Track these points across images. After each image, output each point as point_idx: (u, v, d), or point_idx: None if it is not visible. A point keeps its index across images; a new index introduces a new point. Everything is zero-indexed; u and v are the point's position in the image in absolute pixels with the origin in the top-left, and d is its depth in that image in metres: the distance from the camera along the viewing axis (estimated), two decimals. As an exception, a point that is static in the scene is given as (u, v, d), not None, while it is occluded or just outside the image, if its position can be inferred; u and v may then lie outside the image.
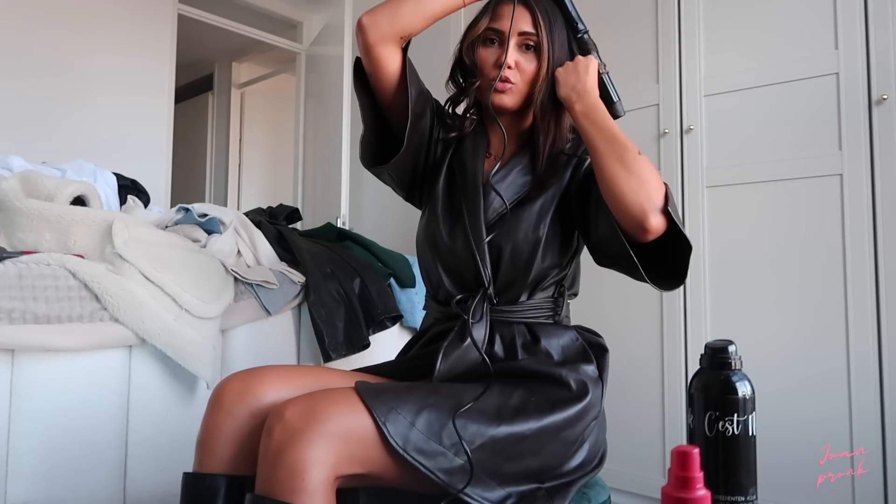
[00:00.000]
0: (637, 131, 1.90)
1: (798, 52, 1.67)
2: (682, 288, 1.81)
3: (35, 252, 1.24)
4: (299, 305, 1.63)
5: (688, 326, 1.81)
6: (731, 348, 0.75)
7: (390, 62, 0.99)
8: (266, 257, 1.66)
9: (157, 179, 2.81)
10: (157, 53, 2.88)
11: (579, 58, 0.99)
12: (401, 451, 0.77)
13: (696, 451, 0.60)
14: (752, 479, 0.73)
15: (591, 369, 0.97)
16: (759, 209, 1.71)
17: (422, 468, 0.77)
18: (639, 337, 1.90)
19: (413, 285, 1.86)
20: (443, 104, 1.11)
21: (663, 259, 0.92)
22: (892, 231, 1.50)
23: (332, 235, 2.00)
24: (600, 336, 1.05)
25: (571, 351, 0.99)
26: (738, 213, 1.74)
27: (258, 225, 1.79)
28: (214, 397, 0.90)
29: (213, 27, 3.22)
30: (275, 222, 1.92)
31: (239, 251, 1.63)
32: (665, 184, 0.89)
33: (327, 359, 1.56)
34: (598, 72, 0.99)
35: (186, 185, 4.21)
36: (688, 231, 1.78)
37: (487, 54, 1.01)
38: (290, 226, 2.02)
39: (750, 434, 0.73)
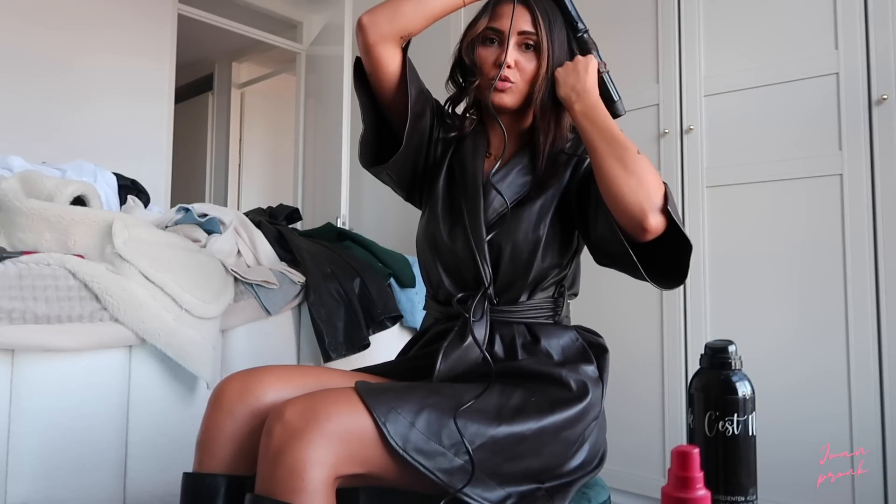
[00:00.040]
0: (637, 131, 1.90)
1: (798, 52, 1.67)
2: (682, 288, 1.81)
3: (35, 252, 1.24)
4: (299, 305, 1.63)
5: (688, 326, 1.81)
6: (731, 348, 0.75)
7: (390, 62, 0.99)
8: (266, 257, 1.66)
9: (157, 179, 2.81)
10: (157, 53, 2.88)
11: (579, 57, 0.99)
12: (401, 452, 0.77)
13: (696, 451, 0.60)
14: (752, 479, 0.73)
15: (591, 369, 0.97)
16: (759, 209, 1.71)
17: (421, 468, 0.77)
18: (639, 337, 1.90)
19: (413, 285, 1.86)
20: (443, 104, 1.11)
21: (664, 258, 0.92)
22: (892, 231, 1.50)
23: (332, 235, 2.00)
24: (600, 336, 1.05)
25: (571, 351, 0.99)
26: (738, 213, 1.74)
27: (258, 225, 1.79)
28: (214, 397, 0.90)
29: (213, 27, 3.22)
30: (275, 222, 1.92)
31: (239, 251, 1.63)
32: (664, 183, 0.89)
33: (327, 359, 1.56)
34: (599, 71, 0.99)
35: (186, 185, 4.21)
36: (688, 231, 1.78)
37: (487, 54, 1.01)
38: (290, 226, 2.02)
39: (750, 434, 0.73)
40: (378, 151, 1.07)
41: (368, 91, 1.05)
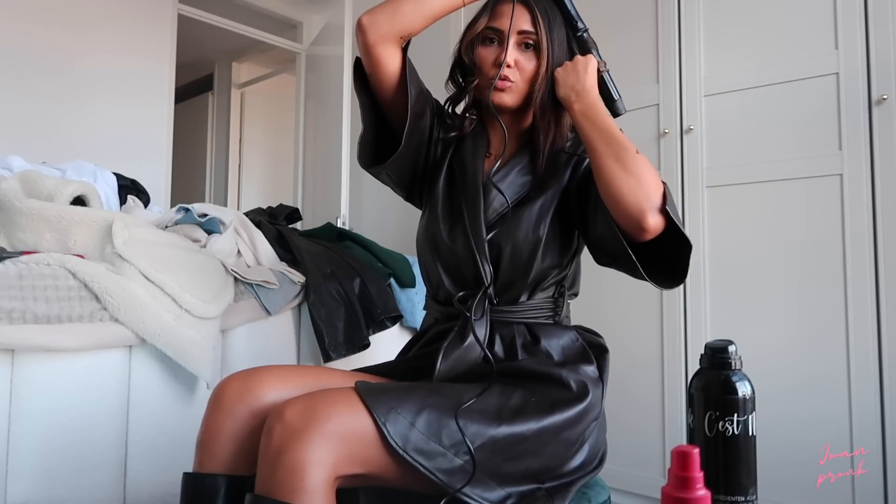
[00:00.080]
0: (637, 131, 1.90)
1: (798, 52, 1.67)
2: (682, 288, 1.82)
3: (35, 252, 1.24)
4: (299, 305, 1.63)
5: (688, 326, 1.81)
6: (731, 348, 0.75)
7: (390, 62, 0.99)
8: (266, 257, 1.66)
9: (157, 179, 2.81)
10: (157, 53, 2.88)
11: (578, 57, 0.99)
12: (400, 452, 0.77)
13: (696, 451, 0.60)
14: (752, 479, 0.73)
15: (591, 370, 0.97)
16: (759, 209, 1.71)
17: (421, 468, 0.77)
18: (639, 337, 1.90)
19: (413, 285, 1.86)
20: (443, 104, 1.11)
21: (664, 258, 0.92)
22: (892, 231, 1.50)
23: (332, 235, 2.00)
24: (600, 336, 1.05)
25: (571, 351, 0.99)
26: (738, 213, 1.74)
27: (258, 225, 1.79)
28: (214, 397, 0.90)
29: (213, 27, 3.22)
30: (275, 222, 1.92)
31: (239, 251, 1.63)
32: (664, 183, 0.89)
33: (327, 359, 1.56)
34: (599, 70, 0.99)
35: (186, 185, 4.21)
36: (688, 231, 1.78)
37: (487, 53, 1.01)
38: (290, 226, 2.02)
39: (750, 434, 0.73)
40: (377, 152, 1.07)
41: (368, 91, 1.05)
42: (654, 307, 1.88)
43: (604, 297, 1.92)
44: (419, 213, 1.13)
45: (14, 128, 2.41)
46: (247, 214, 1.87)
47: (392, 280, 1.82)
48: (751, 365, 0.89)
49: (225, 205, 4.06)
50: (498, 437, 0.84)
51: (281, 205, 2.15)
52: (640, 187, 0.86)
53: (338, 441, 0.75)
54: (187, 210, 1.69)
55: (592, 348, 1.01)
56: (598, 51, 1.02)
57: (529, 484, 0.84)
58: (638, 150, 0.89)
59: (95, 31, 2.67)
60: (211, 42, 3.86)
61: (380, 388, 0.83)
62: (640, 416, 1.87)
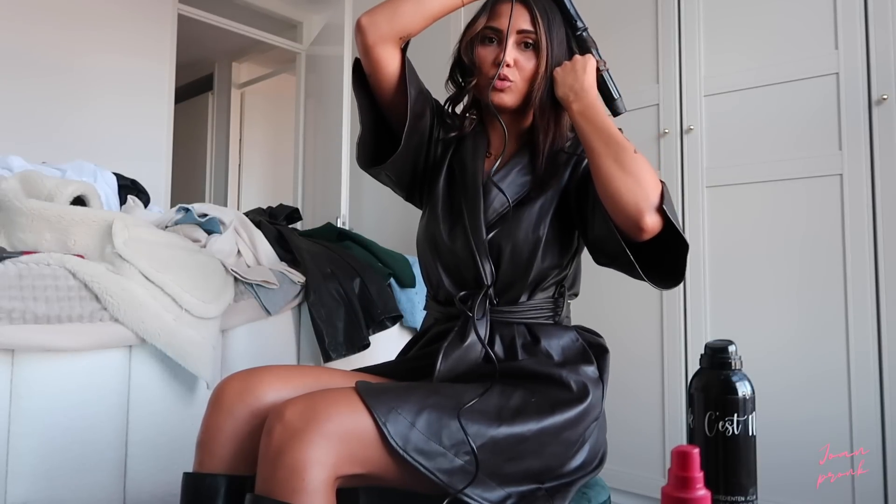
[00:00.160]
0: (637, 131, 1.90)
1: (798, 52, 1.67)
2: (682, 288, 1.81)
3: (35, 252, 1.24)
4: (299, 305, 1.63)
5: (688, 326, 1.81)
6: (731, 348, 0.75)
7: (389, 62, 0.99)
8: (266, 257, 1.66)
9: (157, 179, 2.81)
10: (157, 53, 2.88)
11: (577, 57, 0.99)
12: (401, 452, 0.77)
13: (696, 451, 0.60)
14: (752, 479, 0.73)
15: (591, 370, 0.97)
16: (759, 209, 1.71)
17: (421, 468, 0.77)
18: (639, 337, 1.90)
19: (413, 285, 1.86)
20: (442, 104, 1.11)
21: (662, 258, 0.92)
22: (892, 231, 1.50)
23: (332, 235, 2.00)
24: (600, 336, 1.05)
25: (572, 351, 0.99)
26: (738, 213, 1.74)
27: (258, 225, 1.79)
28: (214, 397, 0.90)
29: (213, 27, 3.22)
30: (275, 222, 1.92)
31: (239, 251, 1.63)
32: (662, 182, 0.89)
33: (327, 359, 1.56)
34: (598, 69, 0.99)
35: (186, 185, 4.21)
36: (688, 231, 1.79)
37: (486, 53, 1.01)
38: (290, 226, 2.02)
39: (750, 434, 0.73)
40: (377, 153, 1.07)
41: (367, 92, 1.05)
42: (654, 307, 1.88)
43: (604, 297, 1.92)
44: (419, 213, 1.13)
45: (14, 128, 2.41)
46: (247, 214, 1.87)
47: (392, 280, 1.82)
48: (751, 365, 0.89)
49: (225, 205, 4.06)
50: (498, 437, 0.84)
51: (281, 205, 2.15)
52: (638, 187, 0.86)
53: (338, 441, 0.75)
54: (187, 210, 1.69)
55: (592, 348, 1.01)
56: (597, 50, 1.01)
57: (529, 484, 0.84)
58: (636, 150, 0.89)
59: (95, 31, 2.67)
60: (211, 42, 3.86)
61: (380, 388, 0.83)
62: (640, 416, 1.87)
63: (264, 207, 2.13)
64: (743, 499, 0.72)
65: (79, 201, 1.47)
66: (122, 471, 1.25)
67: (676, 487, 0.60)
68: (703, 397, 0.74)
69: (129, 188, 1.98)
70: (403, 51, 1.01)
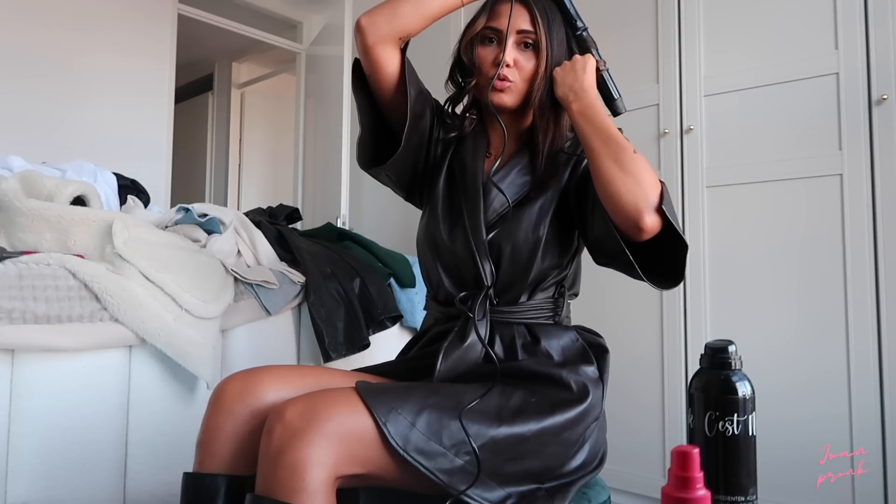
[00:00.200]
0: (637, 131, 1.90)
1: (798, 52, 1.67)
2: (682, 288, 1.82)
3: (35, 252, 1.24)
4: (299, 305, 1.63)
5: (688, 326, 1.81)
6: (731, 348, 0.75)
7: (389, 63, 0.99)
8: (266, 257, 1.66)
9: (157, 179, 2.81)
10: (157, 53, 2.88)
11: (577, 57, 0.99)
12: (401, 452, 0.77)
13: (696, 451, 0.60)
14: (752, 479, 0.73)
15: (591, 370, 0.97)
16: (759, 209, 1.71)
17: (422, 468, 0.77)
18: (639, 337, 1.90)
19: (413, 285, 1.86)
20: (442, 104, 1.11)
21: (661, 258, 0.92)
22: (892, 231, 1.50)
23: (332, 235, 2.00)
24: (600, 336, 1.05)
25: (571, 352, 0.99)
26: (738, 213, 1.74)
27: (258, 225, 1.79)
28: (214, 397, 0.90)
29: (213, 27, 3.22)
30: (275, 222, 1.92)
31: (239, 251, 1.63)
32: (662, 182, 0.89)
33: (327, 359, 1.56)
34: (598, 69, 0.98)
35: (186, 185, 4.22)
36: (688, 231, 1.79)
37: (486, 53, 1.01)
38: (290, 226, 2.02)
39: (750, 434, 0.73)
40: (377, 153, 1.07)
41: (367, 93, 1.05)
42: (654, 307, 1.88)
43: (604, 297, 1.92)
44: (419, 213, 1.13)
45: (14, 128, 2.41)
46: (247, 214, 1.87)
47: (392, 280, 1.82)
48: (751, 365, 0.89)
49: (225, 205, 4.06)
50: (498, 437, 0.84)
51: (281, 205, 2.15)
52: (637, 187, 0.86)
53: (338, 441, 0.75)
54: (187, 210, 1.69)
55: (592, 348, 1.01)
56: (597, 50, 1.01)
57: (529, 484, 0.84)
58: (636, 150, 0.89)
59: (95, 31, 2.67)
60: (211, 42, 3.86)
61: (380, 388, 0.83)
62: (640, 416, 1.87)
63: (264, 207, 2.13)
64: (743, 499, 0.72)
65: (79, 201, 1.47)
66: (122, 471, 1.25)
67: (676, 487, 0.60)
68: (703, 397, 0.74)
69: (129, 188, 1.98)
70: (403, 51, 1.01)
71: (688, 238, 0.89)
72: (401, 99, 1.01)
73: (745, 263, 1.72)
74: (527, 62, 1.00)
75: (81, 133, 2.61)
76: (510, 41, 0.99)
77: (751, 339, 1.67)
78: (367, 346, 1.65)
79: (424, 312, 1.15)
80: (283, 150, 4.17)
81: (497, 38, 1.01)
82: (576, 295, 1.07)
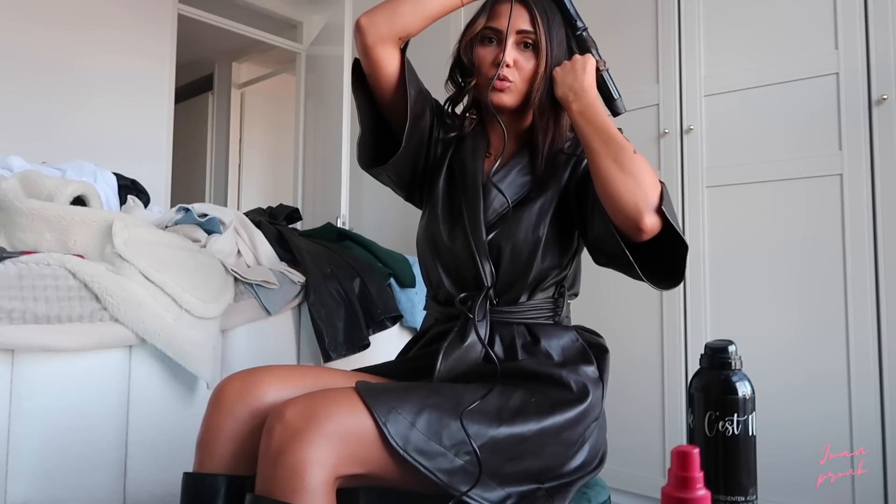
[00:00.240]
0: (637, 131, 1.90)
1: (798, 52, 1.67)
2: (682, 288, 1.82)
3: (35, 252, 1.24)
4: (299, 305, 1.63)
5: (688, 326, 1.81)
6: (731, 348, 0.75)
7: (389, 63, 0.99)
8: (266, 257, 1.66)
9: (157, 179, 2.81)
10: (157, 53, 2.88)
11: (577, 57, 0.99)
12: (401, 452, 0.77)
13: (696, 451, 0.60)
14: (752, 479, 0.73)
15: (591, 370, 0.97)
16: (759, 209, 1.71)
17: (422, 468, 0.77)
18: (639, 337, 1.90)
19: (413, 285, 1.86)
20: (442, 104, 1.11)
21: (661, 258, 0.92)
22: (892, 231, 1.50)
23: (332, 235, 2.00)
24: (600, 336, 1.05)
25: (571, 352, 0.99)
26: (738, 213, 1.74)
27: (258, 225, 1.79)
28: (214, 397, 0.90)
29: (213, 27, 3.22)
30: (275, 222, 1.92)
31: (239, 251, 1.63)
32: (661, 182, 0.89)
33: (327, 359, 1.56)
34: (598, 69, 0.98)
35: (186, 185, 4.22)
36: (688, 231, 1.79)
37: (485, 53, 1.01)
38: (290, 226, 2.02)
39: (750, 434, 0.73)
40: (377, 153, 1.07)
41: (367, 93, 1.05)
42: (654, 307, 1.88)
43: (604, 297, 1.92)
44: (419, 213, 1.13)
45: (14, 128, 2.41)
46: (247, 214, 1.87)
47: (392, 280, 1.82)
48: (751, 365, 0.89)
49: (225, 205, 4.06)
50: (498, 437, 0.84)
51: (281, 205, 2.15)
52: (637, 187, 0.86)
53: (338, 441, 0.75)
54: (187, 210, 1.69)
55: (592, 348, 1.01)
56: (597, 50, 1.01)
57: (529, 484, 0.84)
58: (636, 150, 0.89)
59: (95, 31, 2.67)
60: (211, 42, 3.86)
61: (380, 388, 0.83)
62: (640, 416, 1.87)
63: (264, 207, 2.13)
64: (743, 499, 0.72)
65: (79, 201, 1.47)
66: (122, 471, 1.25)
67: (676, 487, 0.60)
68: (703, 397, 0.74)
69: (129, 188, 1.98)
70: (403, 51, 1.01)
71: (688, 238, 0.89)
72: (401, 99, 1.01)
73: (746, 263, 1.72)
74: (527, 62, 1.00)
75: (81, 133, 2.61)
76: (510, 41, 0.99)
77: (751, 340, 1.67)
78: (367, 346, 1.65)
79: (424, 312, 1.15)
80: (283, 150, 4.17)
81: (497, 38, 1.01)
82: (576, 295, 1.07)
